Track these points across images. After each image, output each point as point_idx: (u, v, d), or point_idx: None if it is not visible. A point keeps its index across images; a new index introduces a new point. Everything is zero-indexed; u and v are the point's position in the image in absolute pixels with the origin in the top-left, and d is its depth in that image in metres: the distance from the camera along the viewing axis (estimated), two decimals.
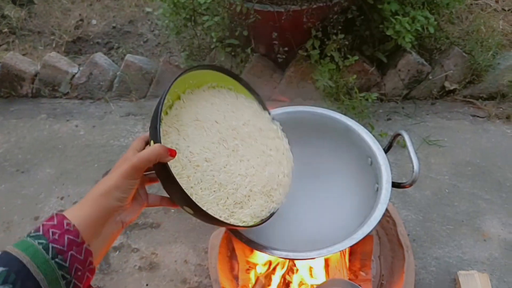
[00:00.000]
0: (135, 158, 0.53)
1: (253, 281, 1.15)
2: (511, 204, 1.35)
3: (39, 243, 0.44)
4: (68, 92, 2.06)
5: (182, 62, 1.79)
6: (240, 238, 0.79)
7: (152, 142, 0.58)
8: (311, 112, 1.00)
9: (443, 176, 1.46)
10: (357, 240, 0.77)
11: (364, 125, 0.92)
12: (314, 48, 1.46)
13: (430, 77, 1.67)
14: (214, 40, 1.58)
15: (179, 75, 0.64)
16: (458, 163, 1.50)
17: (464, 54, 1.66)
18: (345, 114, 0.95)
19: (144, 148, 0.61)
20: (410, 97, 1.75)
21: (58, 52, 2.19)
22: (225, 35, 1.58)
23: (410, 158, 0.84)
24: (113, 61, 2.10)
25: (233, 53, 1.66)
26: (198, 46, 1.81)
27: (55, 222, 0.47)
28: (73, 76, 2.03)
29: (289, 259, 0.98)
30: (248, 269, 1.23)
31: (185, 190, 0.57)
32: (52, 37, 2.45)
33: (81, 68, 2.04)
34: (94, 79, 2.01)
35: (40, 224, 0.48)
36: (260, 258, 1.16)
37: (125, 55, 2.05)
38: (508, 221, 1.31)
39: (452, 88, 1.68)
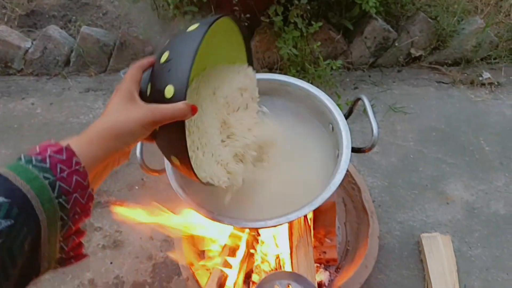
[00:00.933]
0: (158, 114, 0.49)
1: (218, 253, 1.13)
2: (474, 168, 1.37)
3: (45, 177, 0.38)
4: (22, 69, 1.93)
5: (141, 33, 1.70)
6: (194, 207, 0.76)
7: (171, 91, 0.51)
8: (272, 79, 0.96)
9: (408, 142, 1.47)
10: (316, 206, 0.75)
11: (330, 95, 0.89)
12: (277, 14, 1.40)
13: (396, 44, 1.65)
14: (171, 7, 1.50)
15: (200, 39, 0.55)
16: (424, 129, 1.50)
17: (429, 20, 1.65)
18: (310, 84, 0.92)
19: (141, 78, 0.55)
20: (376, 65, 1.73)
21: (10, 26, 2.05)
22: (183, 2, 1.50)
23: (370, 122, 0.83)
24: (70, 34, 1.98)
25: (193, 22, 1.58)
26: (158, 16, 1.71)
27: (64, 157, 0.40)
28: (26, 51, 1.90)
29: (246, 228, 0.96)
30: (213, 241, 1.21)
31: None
32: (4, 11, 2.28)
33: (34, 43, 1.91)
34: (49, 54, 1.89)
35: (40, 147, 0.41)
36: (225, 230, 1.13)
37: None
38: (470, 184, 1.33)
39: (418, 54, 1.67)
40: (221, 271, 1.05)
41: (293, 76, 0.98)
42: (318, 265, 1.14)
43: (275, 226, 0.75)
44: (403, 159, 1.42)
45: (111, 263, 1.28)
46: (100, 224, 1.37)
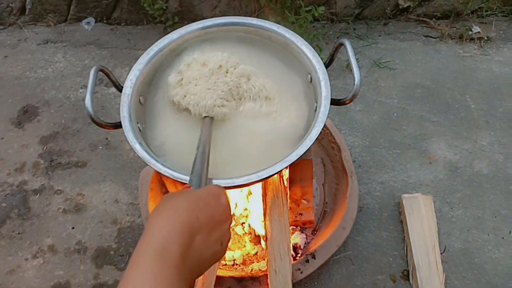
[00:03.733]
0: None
1: None
2: (458, 126, 1.31)
3: None
4: None
5: None
6: (158, 168, 0.66)
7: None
8: (246, 23, 0.84)
9: (392, 99, 1.38)
10: (289, 163, 0.67)
11: (312, 48, 0.78)
12: None
13: None
14: None
15: None
16: (408, 86, 1.42)
17: None
18: None
19: None
20: (362, 17, 1.61)
21: None
22: None
23: (352, 70, 0.73)
24: None
25: None
26: None
27: None
28: None
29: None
30: None
31: None
32: None
33: None
34: (1, 0, 1.68)
35: None
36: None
37: None
38: (454, 143, 1.27)
39: (406, 5, 1.55)
40: None
41: None
42: (294, 227, 1.08)
43: (244, 185, 0.67)
44: (386, 117, 1.34)
45: (72, 228, 1.19)
46: (61, 186, 1.27)
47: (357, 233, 1.11)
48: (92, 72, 0.73)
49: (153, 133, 0.75)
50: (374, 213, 1.15)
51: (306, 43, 0.81)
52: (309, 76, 0.80)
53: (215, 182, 0.64)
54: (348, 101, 0.76)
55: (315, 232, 1.10)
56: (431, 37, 1.56)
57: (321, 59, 0.77)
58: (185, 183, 0.64)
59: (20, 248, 1.17)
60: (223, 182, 0.65)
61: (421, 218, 1.10)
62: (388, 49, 1.52)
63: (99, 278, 1.11)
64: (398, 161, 1.24)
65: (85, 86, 1.50)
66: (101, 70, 0.76)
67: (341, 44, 0.77)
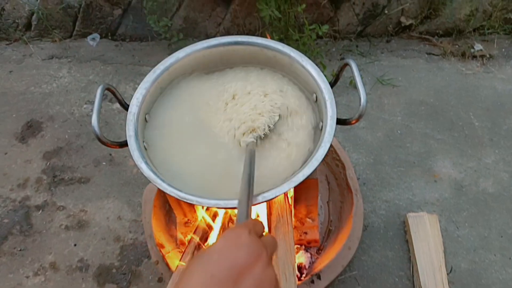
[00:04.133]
0: None
1: (191, 235, 1.04)
2: (462, 144, 1.31)
3: None
4: None
5: None
6: (164, 188, 0.66)
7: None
8: (250, 42, 0.85)
9: (395, 117, 1.39)
10: (296, 183, 0.66)
11: (316, 65, 0.79)
12: None
13: (386, 12, 1.54)
14: None
15: None
16: (412, 103, 1.42)
17: None
18: None
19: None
20: (364, 34, 1.62)
21: None
22: None
23: (357, 90, 0.73)
24: None
25: None
26: None
27: None
28: None
29: (218, 207, 0.87)
30: (186, 223, 1.12)
31: None
32: None
33: None
34: (8, 16, 1.71)
35: None
36: (197, 210, 1.04)
37: None
38: (459, 161, 1.27)
39: (408, 23, 1.57)
40: (195, 249, 0.96)
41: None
42: (299, 246, 1.06)
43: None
44: (390, 135, 1.34)
45: (75, 245, 1.18)
46: (63, 202, 1.26)
47: (363, 252, 1.10)
48: (98, 91, 0.73)
49: (157, 151, 0.76)
50: (379, 232, 1.13)
51: (311, 62, 0.81)
52: (315, 95, 0.80)
53: (218, 203, 0.64)
54: (354, 121, 0.75)
55: (320, 251, 1.09)
56: (433, 54, 1.57)
57: (326, 77, 0.77)
58: (190, 203, 0.64)
59: (21, 265, 1.15)
60: (229, 203, 0.65)
61: (427, 237, 1.09)
62: (391, 66, 1.53)
63: None
64: (402, 179, 1.23)
65: (90, 102, 1.50)
66: (108, 89, 0.76)
67: (346, 64, 0.78)
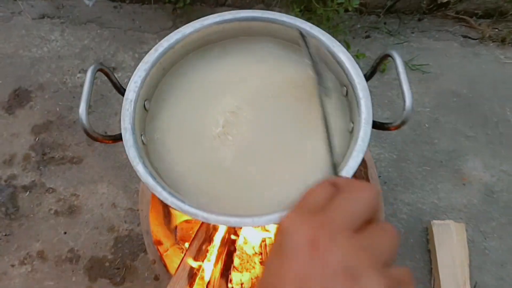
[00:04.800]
0: None
1: (193, 232, 0.94)
2: (496, 143, 1.18)
3: None
4: None
5: None
6: (164, 198, 0.55)
7: None
8: (268, 18, 0.69)
9: (424, 108, 1.25)
10: None
11: (350, 55, 0.64)
12: None
13: None
14: None
15: None
16: (442, 93, 1.28)
17: None
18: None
19: None
20: (394, 10, 1.44)
21: None
22: None
23: (402, 90, 0.60)
24: None
25: None
26: None
27: None
28: None
29: (229, 226, 0.76)
30: (188, 220, 1.01)
31: None
32: None
33: None
34: None
35: None
36: None
37: None
38: (490, 163, 1.15)
39: (445, 0, 1.39)
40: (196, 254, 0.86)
41: (296, 17, 0.72)
42: None
43: (265, 225, 0.55)
44: (416, 128, 1.21)
45: (65, 233, 1.08)
46: (53, 184, 1.15)
47: None
48: (89, 73, 0.59)
49: (158, 146, 0.64)
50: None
51: (344, 49, 0.66)
52: (345, 89, 0.66)
53: (229, 221, 0.54)
54: (395, 127, 0.63)
55: None
56: (470, 38, 1.40)
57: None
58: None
59: (6, 251, 1.06)
60: (243, 222, 0.55)
61: (452, 248, 0.99)
62: (422, 48, 1.37)
63: None
64: (428, 180, 1.12)
65: (84, 71, 1.35)
66: (100, 70, 0.62)
67: (388, 56, 0.63)
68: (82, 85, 1.34)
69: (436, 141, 1.18)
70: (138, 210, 1.09)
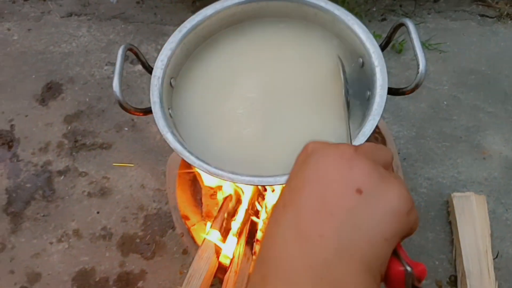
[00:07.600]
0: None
1: (218, 208, 0.98)
2: None
3: None
4: None
5: None
6: (192, 162, 0.59)
7: None
8: None
9: (442, 86, 1.26)
10: None
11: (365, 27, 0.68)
12: None
13: None
14: None
15: None
16: (461, 71, 1.28)
17: None
18: None
19: None
20: None
21: None
22: None
23: (415, 54, 0.64)
24: None
25: None
26: None
27: None
28: None
29: (251, 184, 0.80)
30: (213, 195, 1.06)
31: None
32: None
33: None
34: None
35: None
36: (224, 182, 0.98)
37: None
38: (511, 137, 1.15)
39: None
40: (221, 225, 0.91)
41: None
42: None
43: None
44: (435, 106, 1.22)
45: (97, 212, 1.14)
46: (85, 168, 1.22)
47: None
48: (120, 52, 0.65)
49: (184, 120, 0.69)
50: (419, 212, 1.05)
51: (358, 21, 0.70)
52: (361, 60, 0.70)
53: (252, 180, 0.58)
54: (409, 91, 0.66)
55: None
56: (487, 16, 1.40)
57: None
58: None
59: (45, 231, 1.13)
60: (264, 181, 0.59)
61: (473, 220, 1.00)
62: (439, 29, 1.38)
63: (125, 266, 1.06)
64: (447, 155, 1.13)
65: (110, 63, 1.42)
66: (130, 49, 0.68)
67: (402, 24, 0.67)
68: (109, 77, 1.42)
69: (455, 118, 1.19)
70: (165, 190, 1.14)
